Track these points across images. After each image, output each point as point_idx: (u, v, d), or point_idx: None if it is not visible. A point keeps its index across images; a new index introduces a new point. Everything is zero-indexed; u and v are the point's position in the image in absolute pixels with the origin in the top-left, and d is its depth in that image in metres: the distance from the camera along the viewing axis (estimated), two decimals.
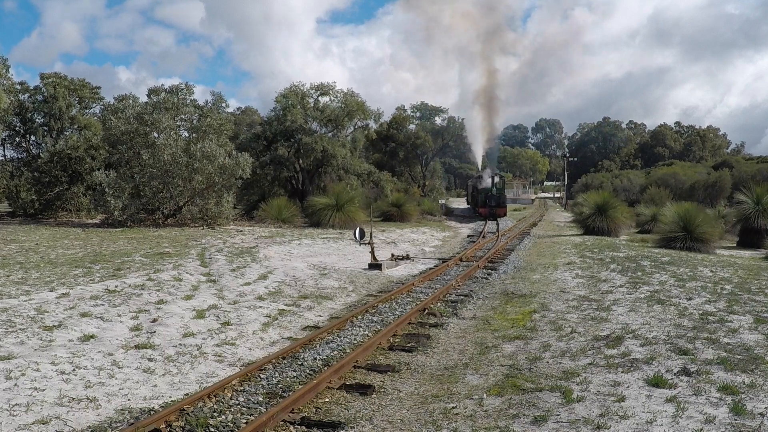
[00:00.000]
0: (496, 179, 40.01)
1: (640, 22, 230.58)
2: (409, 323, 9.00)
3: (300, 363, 6.96)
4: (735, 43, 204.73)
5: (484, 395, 5.82)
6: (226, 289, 11.03)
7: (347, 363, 6.70)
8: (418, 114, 68.04)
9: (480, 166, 68.57)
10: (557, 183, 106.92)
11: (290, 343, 7.82)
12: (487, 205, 38.81)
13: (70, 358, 6.69)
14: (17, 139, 30.50)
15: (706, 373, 5.99)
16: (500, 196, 39.20)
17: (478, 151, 64.52)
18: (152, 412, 5.40)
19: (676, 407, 5.18)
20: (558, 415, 5.16)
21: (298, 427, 5.22)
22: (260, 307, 9.97)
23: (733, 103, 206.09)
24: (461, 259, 16.85)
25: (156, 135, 24.57)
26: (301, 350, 7.47)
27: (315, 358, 7.14)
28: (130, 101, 26.93)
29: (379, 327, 8.76)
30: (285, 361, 6.99)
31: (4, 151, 31.06)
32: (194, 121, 26.39)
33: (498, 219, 36.80)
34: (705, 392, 5.50)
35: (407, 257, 17.56)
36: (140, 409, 5.55)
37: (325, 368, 6.67)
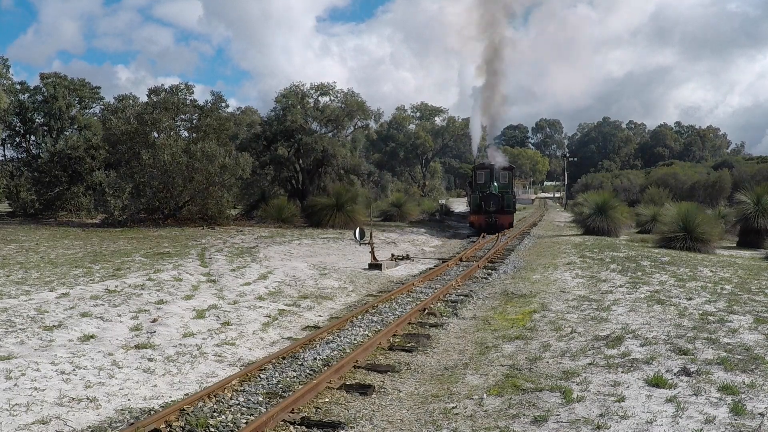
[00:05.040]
0: (498, 172, 28.09)
1: (641, 20, 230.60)
2: (409, 323, 8.99)
3: (300, 363, 6.96)
4: (736, 41, 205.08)
5: (484, 395, 5.82)
6: (226, 289, 11.02)
7: (347, 363, 6.70)
8: (418, 114, 68.06)
9: (475, 151, 53.50)
10: (557, 183, 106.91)
11: (290, 343, 7.81)
12: (483, 211, 26.33)
13: (70, 358, 6.69)
14: (17, 139, 30.55)
15: (706, 373, 5.98)
16: (504, 196, 26.99)
17: (476, 128, 47.42)
18: (152, 412, 5.40)
19: (676, 407, 5.18)
20: (558, 415, 5.16)
21: (298, 427, 5.21)
22: (260, 307, 9.97)
23: (736, 102, 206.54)
24: (461, 259, 16.84)
25: (156, 135, 24.59)
26: (301, 350, 7.46)
27: (315, 358, 7.14)
28: (130, 101, 27.01)
29: (379, 327, 8.76)
30: (285, 361, 6.99)
31: (4, 151, 31.14)
32: (194, 121, 26.40)
33: (500, 231, 25.53)
34: (705, 392, 5.50)
35: (407, 257, 17.56)
36: (140, 409, 5.55)
37: (325, 368, 6.66)
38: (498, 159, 31.49)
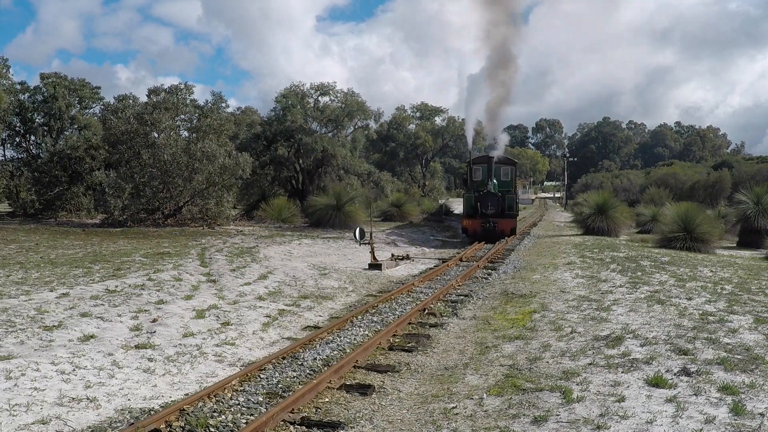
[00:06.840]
0: (498, 167, 23.76)
1: (642, 19, 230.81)
2: (409, 323, 8.99)
3: (300, 363, 6.95)
4: (737, 41, 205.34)
5: (484, 395, 5.82)
6: (226, 289, 11.02)
7: (347, 363, 6.69)
8: (418, 114, 67.99)
9: (470, 145, 49.46)
10: (557, 183, 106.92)
11: (290, 343, 7.81)
12: (478, 214, 22.21)
13: (70, 358, 6.69)
14: (17, 139, 30.53)
15: (706, 373, 5.98)
16: (505, 196, 22.86)
17: (471, 117, 38.98)
18: (152, 412, 5.39)
19: (676, 407, 5.18)
20: (558, 415, 5.16)
21: (298, 427, 5.21)
22: (260, 307, 9.97)
23: (736, 102, 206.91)
24: (461, 259, 16.84)
25: (156, 135, 24.60)
26: (301, 350, 7.46)
27: (315, 358, 7.14)
28: (130, 101, 27.01)
29: (379, 327, 8.76)
30: (285, 361, 6.99)
31: (4, 151, 31.12)
32: (194, 121, 26.41)
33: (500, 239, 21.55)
34: (705, 392, 5.50)
35: (407, 257, 17.56)
36: (140, 409, 5.55)
37: (325, 368, 6.66)
38: (501, 138, 27.88)
